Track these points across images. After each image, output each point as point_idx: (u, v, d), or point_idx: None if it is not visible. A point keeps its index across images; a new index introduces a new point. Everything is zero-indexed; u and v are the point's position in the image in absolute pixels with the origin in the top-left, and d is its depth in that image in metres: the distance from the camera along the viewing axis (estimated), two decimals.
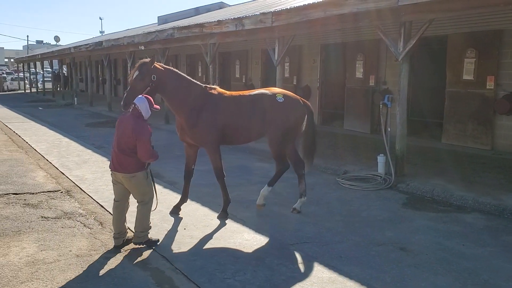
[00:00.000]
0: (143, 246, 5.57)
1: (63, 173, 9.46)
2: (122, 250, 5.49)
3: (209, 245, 5.74)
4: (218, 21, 13.10)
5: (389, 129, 9.16)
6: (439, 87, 12.93)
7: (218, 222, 6.57)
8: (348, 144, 12.64)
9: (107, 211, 6.93)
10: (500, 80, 11.25)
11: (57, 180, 8.94)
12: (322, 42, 16.20)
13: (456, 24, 11.66)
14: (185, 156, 7.03)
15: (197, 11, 26.40)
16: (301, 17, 10.25)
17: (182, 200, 6.97)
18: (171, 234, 6.08)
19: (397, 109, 8.89)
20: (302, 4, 10.23)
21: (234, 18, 12.44)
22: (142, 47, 18.07)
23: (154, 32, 16.76)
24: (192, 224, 6.47)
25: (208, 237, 5.99)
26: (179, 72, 6.65)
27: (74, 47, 26.35)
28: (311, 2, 9.93)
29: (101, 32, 76.62)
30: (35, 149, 12.23)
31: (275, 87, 11.79)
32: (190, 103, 6.46)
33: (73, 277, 4.78)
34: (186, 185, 6.96)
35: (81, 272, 4.90)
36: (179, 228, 6.30)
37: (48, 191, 8.08)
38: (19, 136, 14.71)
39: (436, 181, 8.44)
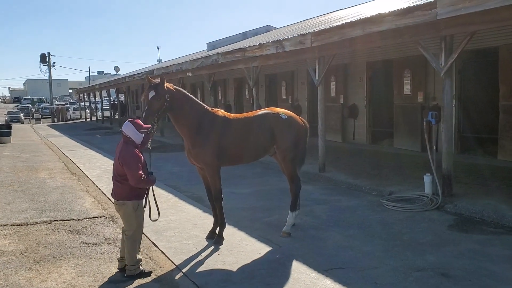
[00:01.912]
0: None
1: (110, 199, 9.73)
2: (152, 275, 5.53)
3: (240, 271, 5.65)
4: (259, 44, 13.22)
5: (434, 147, 8.76)
6: (493, 101, 12.30)
7: (254, 247, 6.46)
8: (396, 163, 12.23)
9: (146, 236, 7.03)
10: None
11: (103, 206, 9.21)
12: (367, 59, 15.95)
13: (507, 35, 11.11)
14: (202, 180, 7.08)
15: (245, 35, 26.86)
16: (339, 36, 10.15)
17: (216, 223, 6.95)
18: (204, 259, 6.05)
19: (441, 126, 8.52)
20: (340, 24, 10.13)
21: (274, 41, 12.52)
22: (190, 74, 18.53)
23: (200, 59, 17.16)
24: (227, 249, 6.41)
25: (241, 263, 5.91)
26: (186, 92, 6.76)
27: (128, 77, 27.44)
28: (349, 21, 9.83)
29: (158, 60, 79.49)
30: (87, 176, 12.72)
31: (318, 107, 11.79)
32: (195, 123, 6.52)
33: None
34: (219, 210, 6.95)
35: None
36: (213, 253, 6.27)
37: (93, 217, 8.33)
38: (74, 163, 15.36)
39: (487, 200, 7.96)
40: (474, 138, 13.05)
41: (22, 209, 8.86)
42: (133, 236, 5.50)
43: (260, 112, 7.11)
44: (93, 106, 47.69)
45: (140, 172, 5.35)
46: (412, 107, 14.15)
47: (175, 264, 5.90)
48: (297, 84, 20.01)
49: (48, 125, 39.96)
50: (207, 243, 6.70)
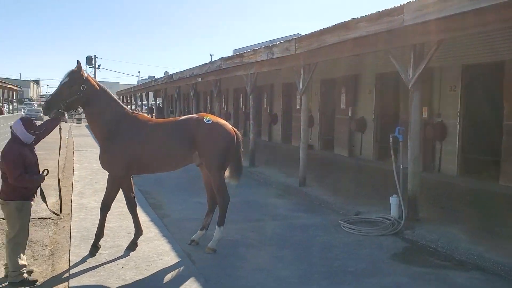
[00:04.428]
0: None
1: (72, 201, 9.59)
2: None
3: None
4: (253, 50, 12.83)
5: (401, 166, 8.00)
6: (497, 120, 11.25)
7: (166, 263, 5.99)
8: (386, 182, 11.39)
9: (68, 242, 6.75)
10: None
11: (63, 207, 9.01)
12: (377, 71, 15.14)
13: None
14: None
15: (272, 43, 26.45)
16: (319, 43, 9.55)
17: (137, 233, 6.56)
18: (103, 271, 5.65)
19: (408, 144, 7.77)
20: (318, 30, 9.55)
21: (265, 47, 12.09)
22: (199, 79, 18.37)
23: (207, 64, 16.96)
24: (137, 263, 5.96)
25: (137, 278, 5.46)
26: (108, 91, 6.38)
27: (154, 80, 27.73)
28: (326, 27, 9.23)
29: None
30: (73, 176, 12.69)
31: (302, 118, 11.20)
32: (109, 126, 6.13)
33: None
34: (134, 217, 6.56)
35: None
36: (117, 266, 5.86)
37: (40, 218, 8.14)
38: (74, 163, 15.46)
39: (450, 229, 7.14)
40: (478, 161, 12.01)
41: None
42: (14, 238, 5.19)
43: (184, 116, 6.68)
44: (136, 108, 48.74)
45: (18, 170, 5.07)
46: None
47: (68, 275, 5.53)
48: (312, 95, 19.27)
49: (86, 125, 41.10)
50: (124, 253, 6.33)
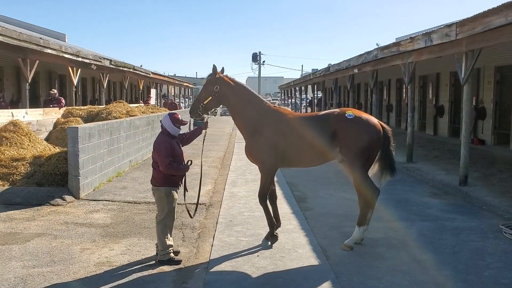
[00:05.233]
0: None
1: (224, 189, 10.18)
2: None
3: (257, 279, 5.30)
4: (411, 37, 12.01)
5: None
6: None
7: (299, 255, 5.99)
8: None
9: (216, 227, 7.18)
10: None
11: (214, 195, 9.67)
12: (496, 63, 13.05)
13: None
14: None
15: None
16: (483, 27, 8.55)
17: (276, 225, 6.64)
18: (240, 259, 5.86)
19: None
20: (481, 11, 8.52)
21: (423, 34, 11.23)
22: (356, 70, 17.91)
23: (363, 54, 16.44)
24: (272, 253, 6.08)
25: (270, 269, 5.54)
26: (246, 87, 6.50)
27: (313, 73, 27.93)
28: (491, 8, 8.19)
29: None
30: (229, 166, 13.48)
31: (463, 110, 10.18)
32: (253, 120, 6.24)
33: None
34: (274, 209, 6.63)
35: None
36: (252, 254, 6.03)
37: (193, 203, 8.81)
38: (233, 154, 16.42)
39: None
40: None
41: (144, 190, 9.87)
42: (163, 221, 5.71)
43: (325, 111, 6.50)
44: (298, 102, 49.79)
45: (168, 159, 5.54)
46: None
47: (208, 259, 5.88)
48: (484, 84, 17.42)
49: None
50: (264, 243, 6.49)
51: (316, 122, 6.25)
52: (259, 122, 6.30)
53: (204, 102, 6.32)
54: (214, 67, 6.39)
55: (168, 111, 6.25)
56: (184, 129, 6.47)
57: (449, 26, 9.81)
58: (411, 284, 5.08)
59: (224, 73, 6.49)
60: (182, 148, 5.94)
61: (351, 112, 6.18)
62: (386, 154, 6.35)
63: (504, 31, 8.20)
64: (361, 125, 6.07)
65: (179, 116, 5.91)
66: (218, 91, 6.30)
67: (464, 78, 9.88)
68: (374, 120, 6.26)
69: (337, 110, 6.40)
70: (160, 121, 5.91)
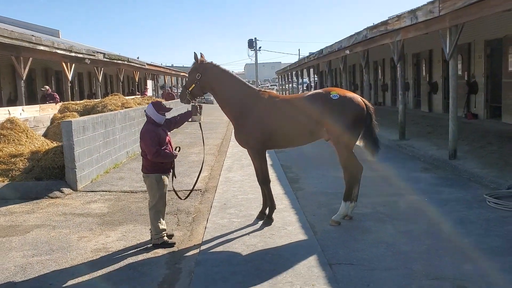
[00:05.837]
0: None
1: (220, 175, 10.40)
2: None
3: (249, 256, 5.52)
4: (397, 16, 12.13)
5: None
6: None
7: (289, 232, 6.22)
8: None
9: (209, 210, 7.41)
10: None
11: (209, 181, 9.89)
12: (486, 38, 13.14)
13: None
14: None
15: None
16: (464, 1, 8.68)
17: (265, 205, 6.86)
18: (232, 238, 6.09)
19: None
20: None
21: (409, 11, 11.34)
22: (348, 51, 18.00)
23: (354, 35, 16.52)
24: (261, 231, 6.31)
25: (260, 247, 5.76)
26: (230, 72, 6.66)
27: (307, 57, 28.00)
28: None
29: None
30: (226, 153, 13.69)
31: (450, 84, 10.33)
32: (238, 105, 6.41)
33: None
34: (262, 191, 6.85)
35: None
36: (243, 234, 6.26)
37: (187, 190, 9.03)
38: (230, 140, 16.60)
39: None
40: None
41: (141, 179, 10.04)
42: (155, 206, 5.92)
43: (310, 92, 6.67)
44: (295, 86, 49.83)
45: (154, 148, 5.71)
46: None
47: (201, 240, 6.11)
48: (475, 58, 17.51)
49: None
50: (254, 222, 6.72)
51: (301, 103, 6.42)
52: (245, 106, 6.48)
53: (189, 90, 6.51)
54: (195, 55, 6.54)
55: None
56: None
57: (432, 2, 9.93)
58: (394, 254, 5.30)
59: (217, 63, 6.66)
60: (168, 135, 6.11)
61: (335, 92, 6.35)
62: (369, 131, 6.54)
63: (483, 5, 8.33)
64: (345, 104, 6.24)
65: (163, 103, 6.08)
66: (200, 79, 6.48)
67: (449, 53, 10.02)
68: (358, 98, 6.44)
69: (321, 90, 6.57)
70: (144, 110, 6.08)
